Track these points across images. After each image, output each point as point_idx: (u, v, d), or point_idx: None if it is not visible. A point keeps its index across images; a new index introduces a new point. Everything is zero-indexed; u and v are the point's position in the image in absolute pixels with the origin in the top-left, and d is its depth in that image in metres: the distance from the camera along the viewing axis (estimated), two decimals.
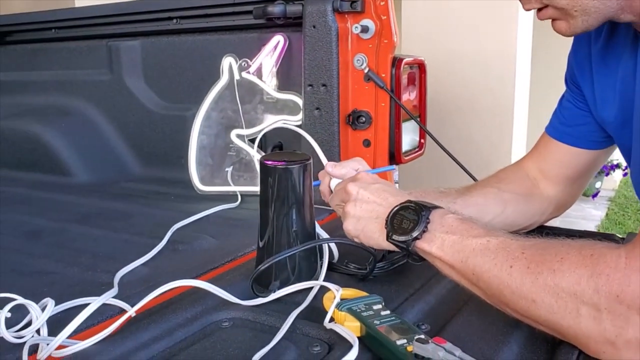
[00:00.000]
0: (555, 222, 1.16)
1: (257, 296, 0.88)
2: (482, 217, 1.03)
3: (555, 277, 0.67)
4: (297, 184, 0.91)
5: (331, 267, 1.00)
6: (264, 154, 1.56)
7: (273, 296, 0.87)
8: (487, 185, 1.10)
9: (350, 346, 0.70)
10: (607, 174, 5.03)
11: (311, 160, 0.93)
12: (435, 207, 0.83)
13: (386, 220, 0.84)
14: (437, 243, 0.79)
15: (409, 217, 0.82)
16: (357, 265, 0.97)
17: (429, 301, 0.86)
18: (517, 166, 1.16)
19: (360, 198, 0.89)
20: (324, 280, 0.89)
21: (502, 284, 0.71)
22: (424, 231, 0.80)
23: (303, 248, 0.91)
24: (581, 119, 1.06)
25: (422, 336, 0.65)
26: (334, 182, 1.03)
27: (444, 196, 1.05)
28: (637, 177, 0.99)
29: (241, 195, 1.57)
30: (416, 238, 0.80)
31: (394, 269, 0.97)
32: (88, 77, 2.04)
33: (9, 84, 2.24)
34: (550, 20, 0.86)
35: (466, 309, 0.83)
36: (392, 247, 0.85)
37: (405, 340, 0.67)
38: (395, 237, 0.82)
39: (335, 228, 1.06)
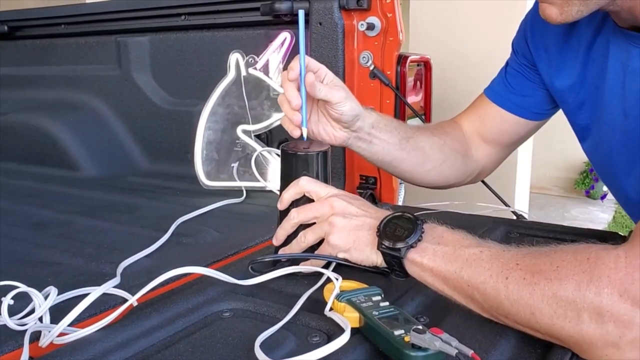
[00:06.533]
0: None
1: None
2: (424, 164, 1.10)
3: (552, 286, 0.66)
4: (318, 170, 0.92)
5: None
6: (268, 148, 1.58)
7: (270, 275, 0.87)
8: (435, 135, 1.13)
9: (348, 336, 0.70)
10: None
11: (329, 147, 0.95)
12: (425, 220, 0.82)
13: (378, 228, 0.83)
14: (429, 254, 0.77)
15: (403, 225, 0.80)
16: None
17: (428, 294, 0.86)
18: (455, 124, 1.19)
19: (349, 212, 0.86)
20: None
21: (500, 296, 0.70)
22: (418, 240, 0.78)
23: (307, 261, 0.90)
24: (530, 91, 1.08)
25: (420, 327, 0.65)
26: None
27: (399, 127, 1.09)
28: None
29: (246, 190, 1.57)
30: (411, 246, 0.78)
31: None
32: (97, 73, 2.06)
33: (19, 78, 2.26)
34: (540, 2, 0.82)
35: None
36: (379, 261, 0.83)
37: (402, 331, 0.67)
38: (386, 243, 0.80)
39: None
